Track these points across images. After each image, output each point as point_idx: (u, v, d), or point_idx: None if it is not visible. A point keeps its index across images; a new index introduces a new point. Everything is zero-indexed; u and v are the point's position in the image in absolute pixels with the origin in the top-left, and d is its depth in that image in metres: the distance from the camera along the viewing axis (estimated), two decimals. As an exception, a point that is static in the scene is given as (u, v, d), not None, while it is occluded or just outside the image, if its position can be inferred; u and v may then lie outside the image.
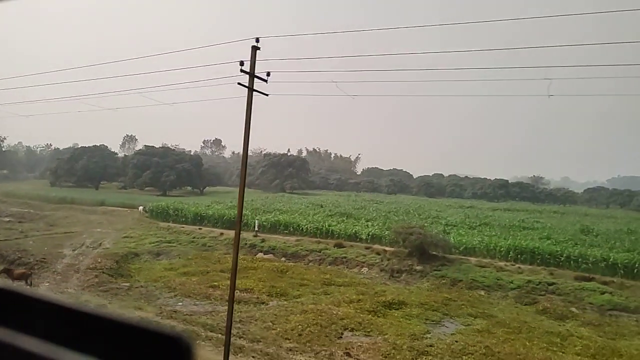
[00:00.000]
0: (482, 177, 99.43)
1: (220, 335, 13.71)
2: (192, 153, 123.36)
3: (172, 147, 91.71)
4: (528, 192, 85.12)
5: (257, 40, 9.80)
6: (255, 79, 10.77)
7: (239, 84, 9.93)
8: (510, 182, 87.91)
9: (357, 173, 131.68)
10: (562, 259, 23.82)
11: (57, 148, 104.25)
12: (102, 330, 0.59)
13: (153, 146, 66.23)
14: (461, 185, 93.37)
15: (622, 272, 22.17)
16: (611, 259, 22.83)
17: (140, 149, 69.15)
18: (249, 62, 10.68)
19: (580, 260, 23.35)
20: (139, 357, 0.56)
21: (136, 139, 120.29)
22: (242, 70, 9.81)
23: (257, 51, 10.58)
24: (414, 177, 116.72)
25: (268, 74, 10.22)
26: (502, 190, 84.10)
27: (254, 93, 10.59)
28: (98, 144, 72.90)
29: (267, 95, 10.57)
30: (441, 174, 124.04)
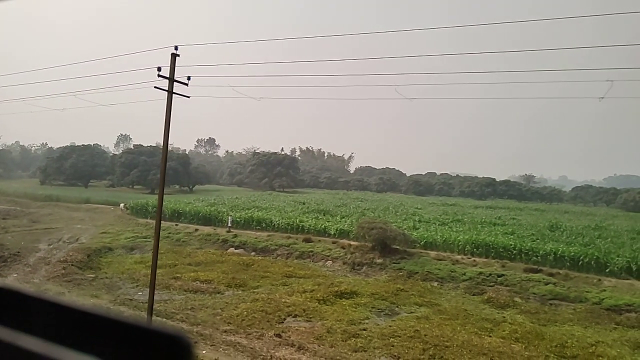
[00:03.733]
0: (479, 176, 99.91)
1: (163, 318, 14.74)
2: (187, 152, 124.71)
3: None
4: (515, 190, 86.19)
5: (176, 47, 10.79)
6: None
7: (155, 87, 10.93)
8: (497, 180, 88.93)
9: (351, 172, 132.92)
10: (515, 252, 24.83)
11: (51, 147, 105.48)
12: (102, 329, 0.59)
13: (141, 145, 67.29)
14: (450, 184, 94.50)
15: (568, 264, 23.17)
16: (559, 252, 23.84)
17: (128, 148, 70.26)
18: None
19: (530, 253, 24.37)
20: (138, 356, 0.56)
21: (130, 138, 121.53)
22: (159, 75, 10.80)
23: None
24: (407, 175, 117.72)
25: (189, 78, 11.23)
26: (489, 189, 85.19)
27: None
28: (88, 144, 74.08)
29: (188, 97, 11.61)
30: (434, 173, 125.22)
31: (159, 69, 10.61)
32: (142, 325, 0.57)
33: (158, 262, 25.54)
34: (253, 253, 29.03)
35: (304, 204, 48.60)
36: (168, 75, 11.22)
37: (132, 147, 68.56)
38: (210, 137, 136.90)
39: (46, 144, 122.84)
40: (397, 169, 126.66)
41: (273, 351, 12.73)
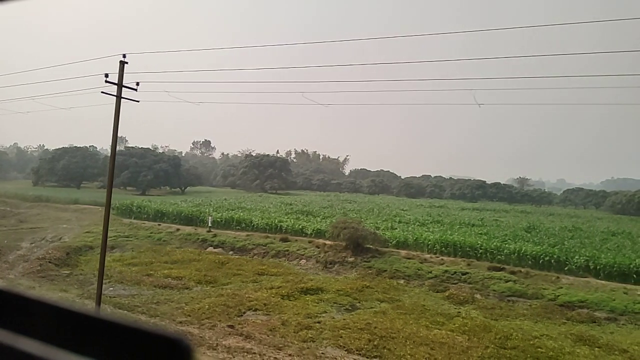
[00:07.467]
0: (480, 179, 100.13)
1: (125, 311, 15.49)
2: (183, 154, 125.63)
3: (160, 148, 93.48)
4: (505, 192, 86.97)
5: (124, 55, 11.58)
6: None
7: (102, 92, 11.74)
8: (487, 182, 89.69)
9: (345, 174, 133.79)
10: (481, 251, 25.56)
11: (47, 149, 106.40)
12: (102, 332, 0.59)
13: (133, 147, 68.16)
14: (441, 186, 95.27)
15: (530, 262, 23.92)
16: (522, 251, 24.59)
17: (119, 150, 71.11)
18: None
19: (495, 252, 25.12)
20: (138, 359, 0.56)
21: (126, 140, 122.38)
22: (107, 81, 11.59)
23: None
24: (402, 178, 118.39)
25: (137, 84, 12.00)
26: (479, 191, 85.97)
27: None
28: (83, 145, 75.07)
29: (138, 101, 12.42)
30: (429, 175, 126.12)
31: (107, 75, 11.44)
32: (141, 328, 0.57)
33: (135, 260, 26.53)
34: (231, 252, 29.74)
35: (290, 205, 49.34)
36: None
37: (124, 149, 69.48)
38: (205, 139, 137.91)
39: (43, 145, 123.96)
40: (391, 171, 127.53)
41: (221, 340, 13.48)
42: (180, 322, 15.07)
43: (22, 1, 1.16)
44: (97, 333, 0.60)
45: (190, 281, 21.70)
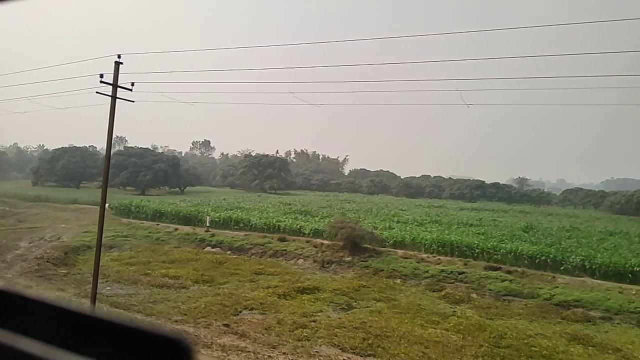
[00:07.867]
0: (481, 179, 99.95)
1: (122, 310, 15.58)
2: (182, 154, 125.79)
3: (160, 148, 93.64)
4: (504, 192, 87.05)
5: (119, 56, 11.68)
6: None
7: (97, 92, 11.83)
8: (486, 182, 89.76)
9: (345, 174, 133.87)
10: (478, 251, 25.63)
11: (47, 149, 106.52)
12: (102, 332, 0.59)
13: (132, 147, 68.29)
14: (440, 186, 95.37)
15: (526, 262, 24.00)
16: (518, 251, 24.67)
17: (119, 150, 71.30)
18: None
19: (492, 252, 25.19)
20: (138, 359, 0.56)
21: (126, 140, 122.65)
22: (102, 82, 11.68)
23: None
24: (402, 177, 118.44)
25: (132, 84, 12.09)
26: (478, 191, 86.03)
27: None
28: (83, 145, 75.25)
29: (133, 101, 12.51)
30: (428, 175, 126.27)
31: (102, 76, 11.55)
32: (141, 327, 0.57)
33: (133, 259, 26.62)
34: (229, 252, 29.80)
35: (289, 205, 49.41)
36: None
37: (123, 149, 69.65)
38: (205, 139, 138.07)
39: (43, 145, 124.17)
40: (391, 171, 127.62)
41: (216, 338, 13.58)
42: (176, 321, 15.16)
43: (22, 1, 1.16)
44: (97, 333, 0.60)
45: (188, 280, 21.78)
